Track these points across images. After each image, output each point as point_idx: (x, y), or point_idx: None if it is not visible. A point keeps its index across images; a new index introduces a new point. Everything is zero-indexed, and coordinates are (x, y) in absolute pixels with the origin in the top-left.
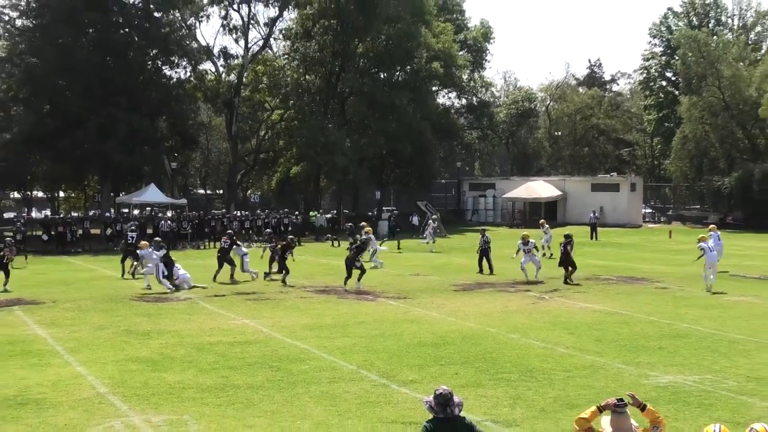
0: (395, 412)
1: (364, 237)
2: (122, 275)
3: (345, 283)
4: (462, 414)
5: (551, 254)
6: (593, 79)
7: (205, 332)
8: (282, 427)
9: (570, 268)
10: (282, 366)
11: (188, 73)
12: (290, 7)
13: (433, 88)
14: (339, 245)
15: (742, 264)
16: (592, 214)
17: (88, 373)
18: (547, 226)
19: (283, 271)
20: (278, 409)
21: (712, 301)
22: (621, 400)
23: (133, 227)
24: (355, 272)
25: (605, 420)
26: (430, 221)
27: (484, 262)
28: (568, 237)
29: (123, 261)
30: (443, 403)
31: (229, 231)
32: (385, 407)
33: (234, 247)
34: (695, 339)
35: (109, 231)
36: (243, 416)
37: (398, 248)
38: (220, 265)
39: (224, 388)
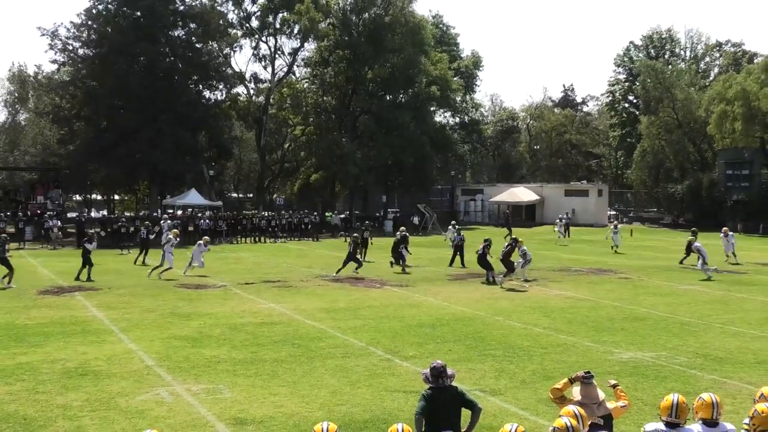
0: (398, 382)
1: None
2: (135, 262)
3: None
4: (454, 384)
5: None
6: (567, 101)
7: (237, 314)
8: (302, 395)
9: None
10: (302, 343)
11: (224, 95)
12: (310, 39)
13: (431, 108)
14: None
15: (690, 258)
16: (565, 215)
17: (138, 349)
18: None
19: (401, 261)
20: (299, 380)
21: (667, 290)
22: (588, 372)
23: (148, 225)
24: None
25: (575, 389)
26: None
27: (458, 256)
28: (486, 242)
29: (140, 253)
30: (437, 374)
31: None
32: (390, 378)
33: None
34: (652, 321)
35: (157, 229)
36: (269, 386)
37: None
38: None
39: (253, 362)
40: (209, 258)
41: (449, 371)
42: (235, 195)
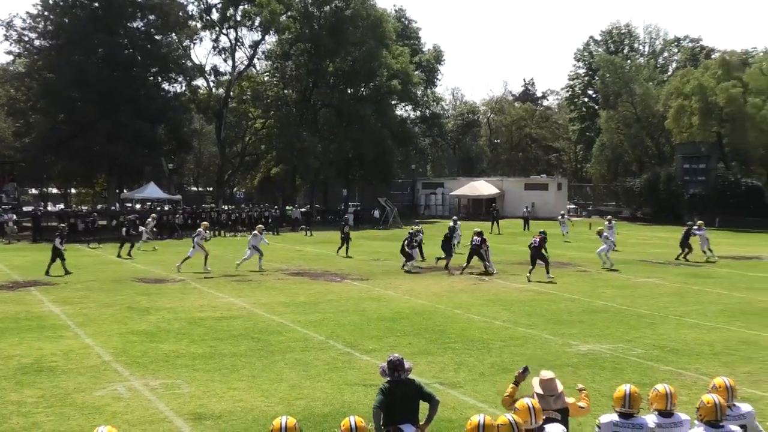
0: (358, 375)
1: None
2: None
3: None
4: (412, 377)
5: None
6: (527, 96)
7: (197, 309)
8: (262, 389)
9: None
10: (262, 337)
11: (184, 88)
12: (271, 32)
13: (392, 102)
14: (312, 234)
15: (648, 251)
16: (525, 209)
17: (95, 344)
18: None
19: (409, 257)
20: (258, 374)
21: (624, 282)
22: (525, 367)
23: (132, 220)
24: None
25: (535, 381)
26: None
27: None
28: (542, 234)
29: (122, 246)
30: (394, 368)
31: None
32: (350, 372)
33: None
34: (610, 314)
35: (114, 222)
36: (228, 380)
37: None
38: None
39: (212, 356)
40: (168, 252)
41: (406, 364)
42: (194, 188)
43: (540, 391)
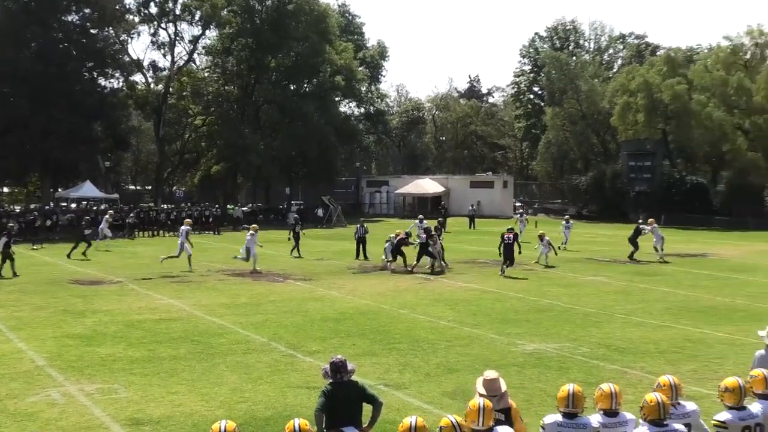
0: (301, 378)
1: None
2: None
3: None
4: (355, 379)
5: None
6: (472, 92)
7: (134, 311)
8: (202, 393)
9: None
10: (202, 340)
11: (121, 83)
12: (212, 26)
13: (336, 98)
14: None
15: (594, 249)
16: (470, 207)
17: (28, 349)
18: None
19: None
20: (198, 378)
21: (571, 281)
22: None
23: (89, 220)
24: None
25: (479, 382)
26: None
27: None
28: (408, 234)
29: (75, 247)
30: (336, 369)
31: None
32: (292, 374)
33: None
34: (556, 312)
35: (48, 222)
36: (167, 384)
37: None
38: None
39: (151, 360)
40: (105, 254)
41: (349, 366)
42: (132, 187)
43: (483, 392)
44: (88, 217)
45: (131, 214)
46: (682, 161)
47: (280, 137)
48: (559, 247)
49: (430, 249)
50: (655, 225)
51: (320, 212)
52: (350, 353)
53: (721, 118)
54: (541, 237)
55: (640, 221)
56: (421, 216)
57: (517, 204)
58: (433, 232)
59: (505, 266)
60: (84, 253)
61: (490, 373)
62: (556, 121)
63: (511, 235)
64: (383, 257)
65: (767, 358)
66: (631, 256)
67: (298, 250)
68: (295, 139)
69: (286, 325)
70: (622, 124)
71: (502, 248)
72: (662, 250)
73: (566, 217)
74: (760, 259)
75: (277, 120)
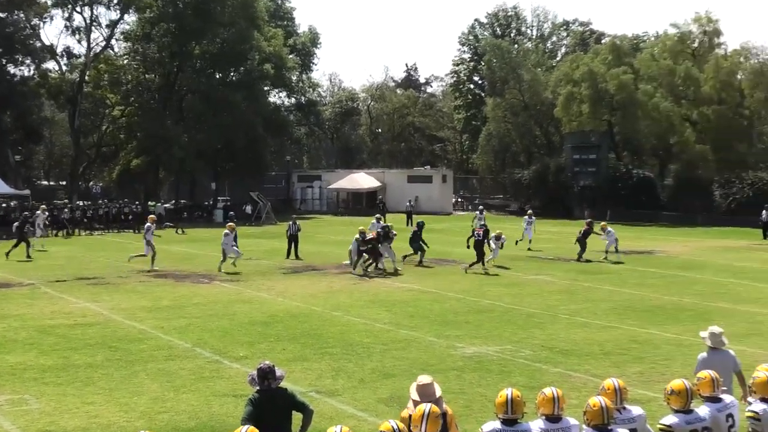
0: (227, 385)
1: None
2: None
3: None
4: (284, 385)
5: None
6: (410, 82)
7: (47, 316)
8: (120, 403)
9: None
10: (121, 346)
11: (32, 71)
12: (131, 10)
13: (265, 88)
14: (184, 232)
15: (538, 246)
16: (408, 203)
17: None
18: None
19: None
20: (117, 386)
21: (513, 280)
22: None
23: (27, 217)
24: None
25: (413, 388)
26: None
27: (292, 247)
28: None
29: (16, 246)
30: (263, 376)
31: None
32: (218, 381)
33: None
34: (497, 313)
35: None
36: (83, 394)
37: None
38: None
39: (65, 368)
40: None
41: (278, 372)
42: (45, 182)
43: (417, 398)
44: (26, 213)
45: (65, 210)
46: (629, 154)
47: (206, 129)
48: (516, 243)
49: (380, 248)
50: (610, 230)
51: (248, 209)
52: (280, 358)
53: (668, 109)
54: (498, 236)
55: (589, 220)
56: (378, 216)
57: (457, 200)
58: (394, 232)
59: (475, 264)
60: (28, 255)
61: (424, 378)
62: (498, 113)
63: (481, 231)
64: (347, 261)
65: (710, 360)
66: (579, 257)
67: (296, 252)
68: (222, 131)
69: (212, 330)
70: (566, 116)
71: (471, 243)
72: (617, 251)
73: (529, 212)
74: (708, 255)
75: (201, 110)
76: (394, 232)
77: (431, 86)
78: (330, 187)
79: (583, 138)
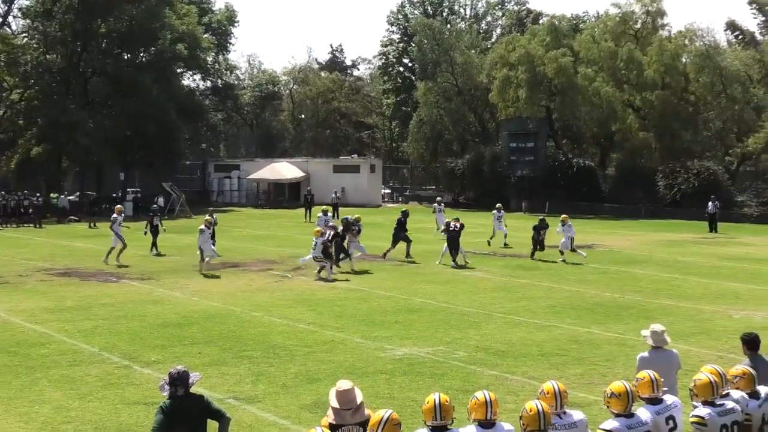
0: (138, 393)
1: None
2: None
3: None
4: (200, 392)
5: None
6: (335, 64)
7: None
8: (20, 412)
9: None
10: (20, 351)
11: None
12: None
13: (178, 70)
14: (96, 227)
15: (472, 241)
16: (334, 194)
17: None
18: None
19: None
20: (16, 395)
21: (446, 277)
22: None
23: None
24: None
25: (332, 394)
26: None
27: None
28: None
29: None
30: (174, 382)
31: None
32: (128, 388)
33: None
34: (429, 313)
35: None
36: None
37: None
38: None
39: None
40: None
41: (191, 377)
42: None
43: (336, 405)
44: None
45: (26, 202)
46: (568, 142)
47: (113, 114)
48: (489, 243)
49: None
50: (569, 224)
51: (161, 201)
52: (195, 363)
53: (609, 95)
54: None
55: (541, 217)
56: (325, 209)
57: (438, 198)
58: (353, 228)
59: (455, 257)
60: None
61: (343, 384)
62: (429, 98)
63: (458, 224)
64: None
65: (652, 359)
66: (534, 255)
67: (156, 247)
68: (131, 117)
69: (121, 332)
70: (502, 101)
71: (446, 238)
72: (573, 250)
73: (498, 206)
74: (652, 249)
75: (108, 94)
76: (359, 226)
77: (358, 69)
78: (249, 177)
79: (520, 125)
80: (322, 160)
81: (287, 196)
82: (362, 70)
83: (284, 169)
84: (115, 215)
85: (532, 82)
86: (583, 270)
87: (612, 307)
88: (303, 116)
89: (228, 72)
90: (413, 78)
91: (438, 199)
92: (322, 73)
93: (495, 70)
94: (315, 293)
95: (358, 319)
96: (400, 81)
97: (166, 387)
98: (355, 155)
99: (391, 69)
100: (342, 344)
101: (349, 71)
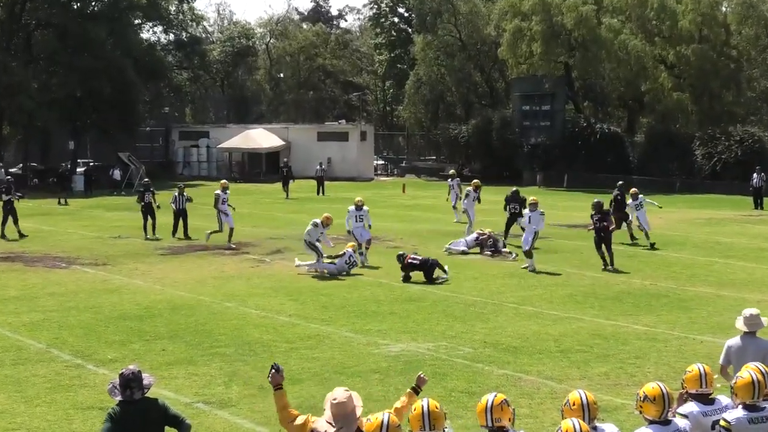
0: (92, 395)
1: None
2: None
3: None
4: (156, 395)
5: None
6: (319, 14)
7: None
8: None
9: None
10: None
11: None
12: None
13: (136, 21)
14: (66, 203)
15: (479, 220)
16: (318, 167)
17: None
18: None
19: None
20: None
21: (448, 260)
22: (275, 367)
23: None
24: None
25: (327, 403)
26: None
27: (180, 223)
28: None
29: None
30: (126, 384)
31: None
32: (80, 391)
33: None
34: (429, 302)
35: None
36: None
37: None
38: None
39: None
40: None
41: (146, 379)
42: None
43: (330, 419)
44: None
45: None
46: (590, 105)
47: (61, 73)
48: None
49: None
50: (641, 198)
51: (117, 174)
52: (158, 361)
53: (638, 49)
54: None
55: (619, 184)
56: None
57: (452, 172)
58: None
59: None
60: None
61: (339, 394)
62: (428, 53)
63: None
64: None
65: (742, 348)
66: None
67: (155, 228)
68: (81, 76)
69: (72, 326)
70: (513, 57)
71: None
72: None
73: (452, 172)
74: (688, 229)
75: (55, 50)
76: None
77: (345, 20)
78: (220, 146)
79: (535, 85)
80: (305, 126)
81: (264, 168)
82: (351, 22)
83: (260, 137)
84: (218, 192)
85: (548, 34)
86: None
87: (641, 296)
88: (282, 75)
89: (194, 23)
90: (410, 30)
91: (452, 172)
92: (304, 25)
93: (505, 21)
94: (297, 280)
95: (348, 309)
96: (394, 34)
97: (117, 390)
98: (343, 121)
99: (384, 20)
100: (329, 339)
101: (335, 22)
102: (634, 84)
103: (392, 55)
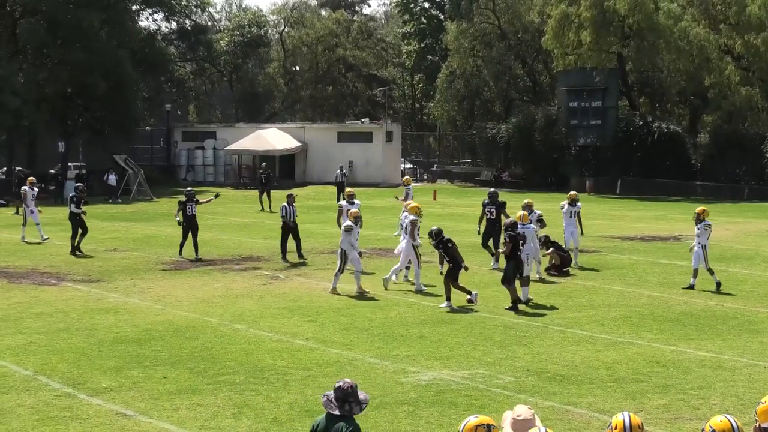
0: (84, 429)
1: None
2: None
3: None
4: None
5: None
6: (339, 1)
7: None
8: None
9: None
10: None
11: None
12: None
13: (134, 8)
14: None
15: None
16: (339, 171)
17: None
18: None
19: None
20: None
21: (486, 277)
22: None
23: None
24: None
25: (507, 421)
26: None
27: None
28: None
29: None
30: (343, 398)
31: None
32: (71, 424)
33: None
34: (464, 324)
35: None
36: None
37: None
38: None
39: None
40: None
41: (362, 395)
42: None
43: None
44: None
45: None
46: (647, 101)
47: (50, 66)
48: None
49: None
50: (709, 222)
51: (112, 179)
52: (160, 391)
53: (701, 38)
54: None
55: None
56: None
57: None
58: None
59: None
60: None
61: (524, 411)
62: (463, 43)
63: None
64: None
65: None
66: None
67: (196, 249)
68: (73, 69)
69: (62, 351)
70: (559, 47)
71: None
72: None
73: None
74: (758, 242)
75: (44, 41)
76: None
77: (369, 5)
78: (228, 148)
79: (584, 78)
80: (323, 125)
81: (278, 173)
82: (375, 8)
83: (274, 138)
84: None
85: (598, 21)
86: (668, 269)
87: (706, 318)
88: (297, 68)
89: (199, 10)
90: (442, 17)
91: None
92: (323, 12)
93: (550, 6)
94: (314, 299)
95: (372, 332)
96: (424, 21)
97: (333, 405)
98: (367, 119)
99: (412, 5)
100: (351, 366)
101: (357, 9)
102: (697, 77)
103: (422, 45)
